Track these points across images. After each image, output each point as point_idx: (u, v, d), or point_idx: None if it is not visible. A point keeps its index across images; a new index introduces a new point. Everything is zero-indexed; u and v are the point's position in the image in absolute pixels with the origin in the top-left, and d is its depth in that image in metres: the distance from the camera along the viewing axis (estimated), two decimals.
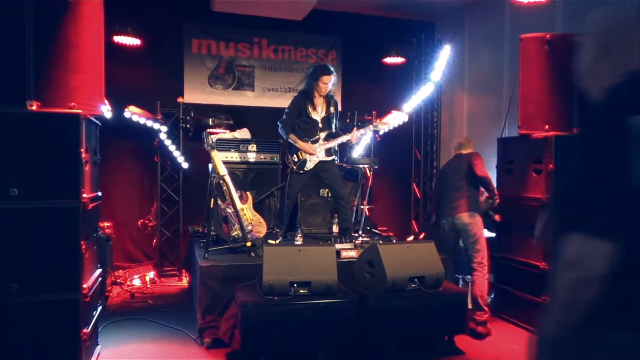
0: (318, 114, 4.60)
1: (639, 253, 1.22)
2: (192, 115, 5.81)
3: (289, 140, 4.57)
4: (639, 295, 1.26)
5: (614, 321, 1.29)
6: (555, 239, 1.33)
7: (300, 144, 4.51)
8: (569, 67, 4.45)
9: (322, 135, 4.59)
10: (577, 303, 1.28)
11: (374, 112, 6.34)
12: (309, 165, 4.55)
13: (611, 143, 1.26)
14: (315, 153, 4.54)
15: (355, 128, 4.80)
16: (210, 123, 5.66)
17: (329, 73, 4.46)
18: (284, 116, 4.59)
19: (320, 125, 4.60)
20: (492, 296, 4.78)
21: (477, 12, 6.38)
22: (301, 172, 4.57)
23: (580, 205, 1.28)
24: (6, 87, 2.86)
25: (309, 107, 4.56)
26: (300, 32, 6.52)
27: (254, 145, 5.44)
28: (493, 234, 4.83)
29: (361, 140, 5.56)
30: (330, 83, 4.48)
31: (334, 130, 4.68)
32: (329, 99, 4.65)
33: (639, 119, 1.22)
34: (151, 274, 5.60)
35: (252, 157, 5.41)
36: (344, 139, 4.59)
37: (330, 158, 4.63)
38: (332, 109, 4.65)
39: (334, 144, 4.61)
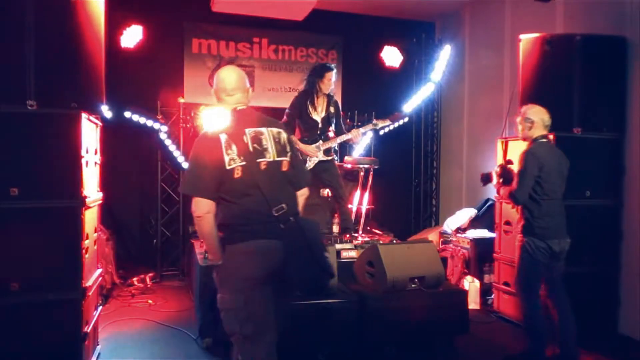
0: (318, 114, 4.60)
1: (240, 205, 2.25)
2: (192, 115, 5.81)
3: None
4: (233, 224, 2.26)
5: (230, 238, 2.25)
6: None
7: (300, 146, 4.51)
8: (569, 67, 4.45)
9: (322, 135, 4.59)
10: (202, 231, 2.28)
11: (374, 112, 6.34)
12: (309, 165, 4.55)
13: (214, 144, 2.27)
14: (315, 155, 4.54)
15: (354, 128, 4.81)
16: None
17: (331, 69, 4.60)
18: (285, 117, 4.60)
19: (320, 125, 4.60)
20: (492, 296, 4.78)
21: (477, 12, 6.38)
22: None
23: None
24: (6, 86, 2.86)
25: (310, 108, 4.56)
26: (300, 32, 6.51)
27: None
28: (493, 234, 4.83)
29: (362, 140, 5.56)
30: (333, 79, 4.57)
31: (336, 130, 4.68)
32: (329, 99, 4.66)
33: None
34: (151, 274, 5.60)
35: None
36: (344, 138, 4.59)
37: (329, 157, 4.63)
38: (332, 109, 4.65)
39: (334, 143, 4.61)
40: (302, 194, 2.53)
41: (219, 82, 2.44)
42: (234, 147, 2.25)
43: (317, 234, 2.39)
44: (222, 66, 2.56)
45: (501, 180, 3.66)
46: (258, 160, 2.29)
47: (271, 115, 2.65)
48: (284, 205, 2.28)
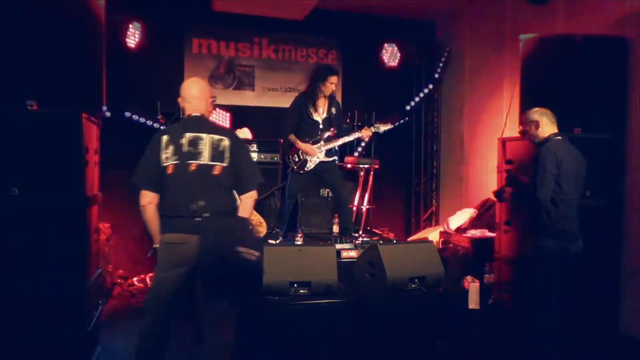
0: (319, 115, 4.59)
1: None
2: None
3: (289, 140, 4.57)
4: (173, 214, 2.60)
5: (161, 228, 2.64)
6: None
7: (300, 145, 4.51)
8: (569, 67, 4.44)
9: (324, 136, 4.59)
10: (145, 219, 2.65)
11: (374, 112, 6.34)
12: (310, 165, 4.55)
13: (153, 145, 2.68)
14: (315, 154, 4.54)
15: (365, 127, 4.79)
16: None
17: (335, 73, 4.56)
18: (285, 117, 4.60)
19: (321, 126, 4.59)
20: (492, 296, 4.78)
21: (477, 12, 6.38)
22: (302, 172, 4.57)
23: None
24: (6, 86, 2.86)
25: (311, 109, 4.56)
26: (300, 32, 6.51)
27: (254, 145, 5.44)
28: (493, 234, 4.83)
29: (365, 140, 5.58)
30: (336, 82, 4.55)
31: (338, 131, 4.68)
32: (330, 100, 4.65)
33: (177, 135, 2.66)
34: (151, 274, 5.59)
35: (252, 156, 5.40)
36: (349, 138, 4.59)
37: (331, 158, 4.63)
38: (333, 110, 4.65)
39: (335, 144, 4.61)
40: (251, 196, 2.72)
41: (181, 89, 2.79)
42: (170, 147, 2.59)
43: (235, 231, 2.56)
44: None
45: (512, 189, 3.53)
46: (188, 162, 2.58)
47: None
48: (202, 202, 2.54)
